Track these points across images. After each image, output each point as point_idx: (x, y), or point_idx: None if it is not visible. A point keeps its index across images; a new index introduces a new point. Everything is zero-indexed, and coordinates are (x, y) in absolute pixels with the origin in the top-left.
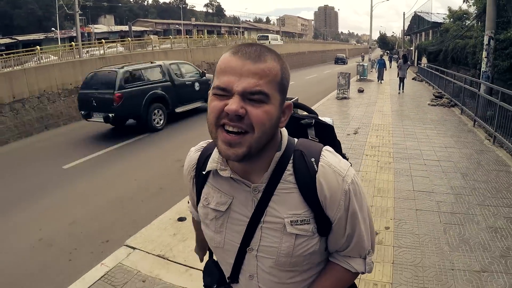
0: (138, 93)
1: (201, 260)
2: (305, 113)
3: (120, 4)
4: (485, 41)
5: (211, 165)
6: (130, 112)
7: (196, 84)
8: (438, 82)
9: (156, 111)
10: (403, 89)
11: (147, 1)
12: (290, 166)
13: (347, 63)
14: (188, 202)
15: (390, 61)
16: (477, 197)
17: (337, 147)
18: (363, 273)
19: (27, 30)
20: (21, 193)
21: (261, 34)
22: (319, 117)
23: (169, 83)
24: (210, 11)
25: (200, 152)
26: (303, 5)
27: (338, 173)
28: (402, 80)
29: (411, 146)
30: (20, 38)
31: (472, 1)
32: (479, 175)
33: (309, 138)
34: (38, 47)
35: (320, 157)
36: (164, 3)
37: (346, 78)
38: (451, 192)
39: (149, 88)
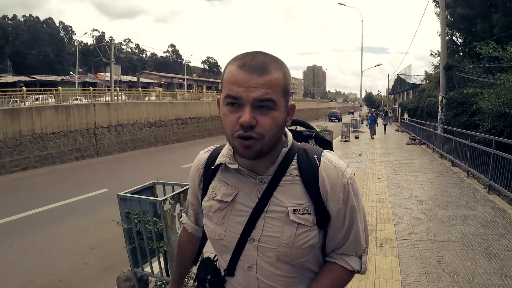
0: None
1: None
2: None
3: (121, 55)
4: (440, 100)
5: (220, 159)
6: None
7: None
8: (413, 130)
9: None
10: (385, 131)
11: (146, 54)
12: (294, 161)
13: (341, 120)
14: (181, 217)
15: (377, 117)
16: (413, 173)
17: None
18: (359, 272)
19: (38, 71)
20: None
21: None
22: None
23: None
24: (206, 67)
25: (209, 152)
26: (292, 64)
27: (338, 168)
28: (384, 126)
29: (393, 159)
30: (38, 77)
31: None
32: (430, 169)
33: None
34: (140, 89)
35: (322, 155)
36: (162, 57)
37: (347, 127)
38: (408, 170)
39: None
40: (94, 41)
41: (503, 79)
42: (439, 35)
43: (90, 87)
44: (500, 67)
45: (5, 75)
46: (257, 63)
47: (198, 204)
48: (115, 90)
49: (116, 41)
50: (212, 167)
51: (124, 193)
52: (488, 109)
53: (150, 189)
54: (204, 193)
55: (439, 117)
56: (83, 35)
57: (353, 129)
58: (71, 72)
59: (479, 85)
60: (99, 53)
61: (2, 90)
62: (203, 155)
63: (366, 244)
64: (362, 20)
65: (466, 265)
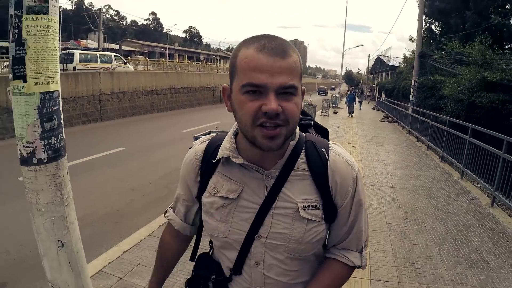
0: None
1: None
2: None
3: (108, 23)
4: (412, 83)
5: (222, 152)
6: None
7: None
8: (388, 109)
9: None
10: (360, 107)
11: (126, 21)
12: (303, 155)
13: (327, 94)
14: (166, 212)
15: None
16: (382, 144)
17: None
18: (359, 267)
19: None
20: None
21: None
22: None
23: None
24: (187, 36)
25: (206, 144)
26: None
27: (348, 161)
28: (360, 103)
29: (367, 133)
30: None
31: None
32: (397, 142)
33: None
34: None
35: (330, 148)
36: (142, 24)
37: (327, 102)
38: (378, 142)
39: None
40: (73, 7)
41: (462, 71)
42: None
43: (140, 57)
44: (461, 61)
45: None
46: (278, 45)
47: (191, 200)
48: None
49: (95, 7)
50: (213, 161)
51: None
52: (449, 95)
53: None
54: (202, 188)
55: (410, 99)
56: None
57: (332, 105)
58: None
59: (447, 73)
60: (79, 20)
61: None
62: (199, 146)
63: (366, 238)
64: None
65: (412, 201)
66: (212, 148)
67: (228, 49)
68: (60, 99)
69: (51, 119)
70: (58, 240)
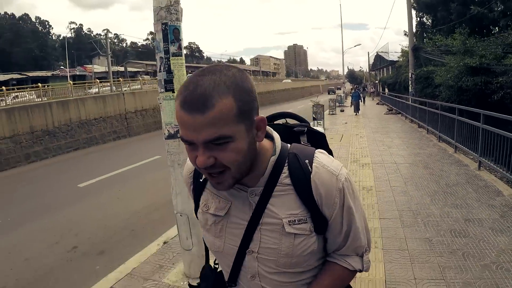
0: None
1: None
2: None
3: (116, 47)
4: (410, 76)
5: None
6: None
7: None
8: (391, 102)
9: None
10: (364, 103)
11: (126, 43)
12: (285, 169)
13: (335, 92)
14: None
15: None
16: (386, 133)
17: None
18: (360, 271)
19: (25, 68)
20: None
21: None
22: (311, 126)
23: None
24: (187, 52)
25: None
26: (272, 44)
27: (332, 172)
28: (364, 98)
29: (372, 125)
30: (30, 74)
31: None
32: (400, 130)
33: (302, 143)
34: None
35: (314, 158)
36: (142, 45)
37: (334, 102)
38: (383, 131)
39: None
40: (73, 34)
41: (449, 60)
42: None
43: (120, 78)
44: (448, 51)
45: None
46: (197, 97)
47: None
48: (132, 81)
49: (94, 33)
50: (201, 180)
51: None
52: (439, 82)
53: None
54: (196, 203)
55: (410, 90)
56: (67, 28)
57: (338, 104)
58: (61, 67)
59: (439, 63)
60: (80, 46)
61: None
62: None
63: (368, 243)
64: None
65: (411, 171)
66: None
67: (229, 61)
68: None
69: None
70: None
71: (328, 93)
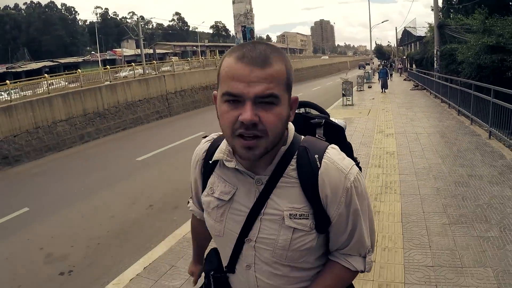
0: None
1: (194, 283)
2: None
3: (146, 30)
4: (435, 52)
5: (218, 155)
6: None
7: None
8: (417, 79)
9: None
10: (391, 79)
11: (152, 25)
12: (294, 161)
13: (365, 67)
14: (188, 202)
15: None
16: (411, 108)
17: (348, 150)
18: (362, 271)
19: (55, 55)
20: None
21: None
22: (331, 118)
23: None
24: (213, 31)
25: (210, 143)
26: (298, 20)
27: (341, 170)
28: (391, 74)
29: (398, 100)
30: (61, 61)
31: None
32: (424, 105)
33: (316, 136)
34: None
35: (325, 154)
36: (168, 26)
37: (362, 78)
38: (407, 106)
39: None
40: (99, 19)
41: (469, 38)
42: None
43: (153, 61)
44: (470, 29)
45: (28, 63)
46: (258, 54)
47: (199, 194)
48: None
49: (120, 16)
50: (210, 162)
51: None
52: (461, 59)
53: None
54: (203, 186)
55: (435, 67)
56: (93, 13)
57: (365, 80)
58: (92, 52)
59: (462, 41)
60: (107, 30)
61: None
62: (202, 145)
63: (372, 244)
64: None
65: (429, 140)
66: (213, 149)
67: (256, 38)
68: None
69: None
70: None
71: (359, 68)
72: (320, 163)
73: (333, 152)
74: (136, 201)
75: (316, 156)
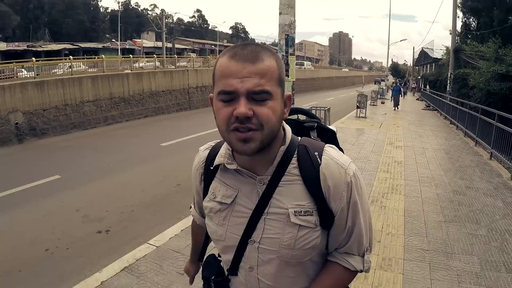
0: None
1: (191, 282)
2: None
3: (173, 23)
4: (449, 75)
5: (218, 159)
6: None
7: None
8: (429, 99)
9: None
10: (403, 97)
11: (172, 19)
12: (294, 160)
13: (380, 83)
14: (191, 207)
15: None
16: (420, 126)
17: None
18: (361, 271)
19: (75, 39)
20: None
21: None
22: (321, 123)
23: None
24: (233, 32)
25: (209, 150)
26: (316, 30)
27: (341, 165)
28: (404, 93)
29: (409, 118)
30: (82, 45)
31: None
32: (433, 124)
33: (312, 138)
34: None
35: (323, 151)
36: (188, 22)
37: (375, 94)
38: (417, 124)
39: None
40: (121, 8)
41: (482, 66)
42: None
43: (192, 54)
44: (483, 57)
45: (48, 43)
46: (249, 52)
47: (200, 201)
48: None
49: (141, 7)
50: (211, 168)
51: None
52: (472, 84)
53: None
54: (205, 193)
55: (447, 89)
56: (114, 2)
57: (379, 96)
58: (113, 40)
59: (476, 66)
60: (127, 20)
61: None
62: (202, 153)
63: (370, 242)
64: None
65: (434, 155)
66: (212, 155)
67: (274, 44)
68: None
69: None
70: None
71: (375, 83)
72: (321, 159)
73: (331, 150)
74: (164, 180)
75: (316, 153)
